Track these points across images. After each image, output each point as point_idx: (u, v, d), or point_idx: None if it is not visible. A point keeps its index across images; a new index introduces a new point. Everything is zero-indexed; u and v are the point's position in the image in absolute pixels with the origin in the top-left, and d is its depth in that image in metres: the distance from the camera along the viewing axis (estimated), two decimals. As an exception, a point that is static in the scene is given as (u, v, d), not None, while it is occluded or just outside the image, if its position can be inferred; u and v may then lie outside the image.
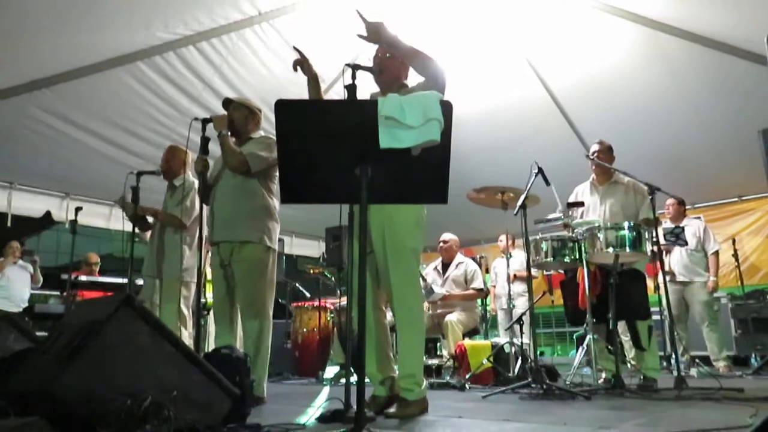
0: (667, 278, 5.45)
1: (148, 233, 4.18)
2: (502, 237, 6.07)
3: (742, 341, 6.08)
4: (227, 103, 3.47)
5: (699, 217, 5.94)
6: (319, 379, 5.22)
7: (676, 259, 5.62)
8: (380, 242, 2.67)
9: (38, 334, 2.90)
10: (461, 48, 5.59)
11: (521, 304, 6.16)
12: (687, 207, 5.87)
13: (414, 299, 2.71)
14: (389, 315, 2.90)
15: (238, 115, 3.41)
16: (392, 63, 2.80)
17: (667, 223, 5.56)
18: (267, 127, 5.46)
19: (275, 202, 3.40)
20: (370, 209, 2.66)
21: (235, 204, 3.28)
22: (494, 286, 6.81)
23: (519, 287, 6.41)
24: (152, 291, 3.88)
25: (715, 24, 4.80)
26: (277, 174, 3.38)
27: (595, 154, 4.21)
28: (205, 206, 3.45)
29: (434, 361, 4.95)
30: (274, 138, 3.38)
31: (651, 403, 2.87)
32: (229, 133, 3.30)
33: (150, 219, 4.11)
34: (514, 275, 6.21)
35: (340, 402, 2.15)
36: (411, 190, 2.16)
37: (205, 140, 3.21)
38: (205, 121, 3.22)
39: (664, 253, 5.58)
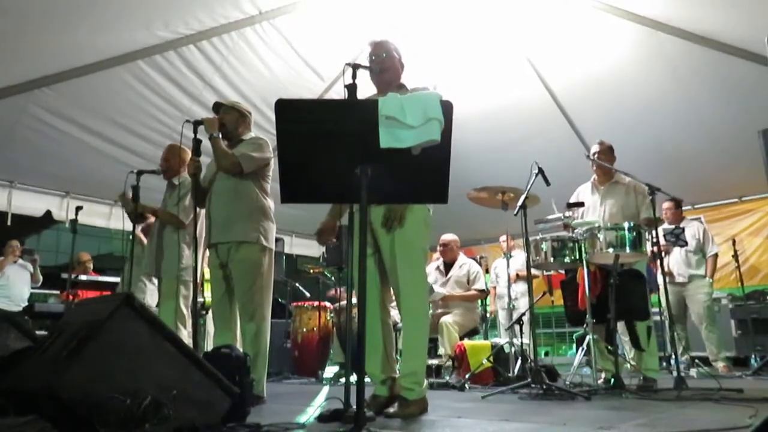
0: (666, 279, 5.50)
1: (144, 240, 4.19)
2: (503, 237, 6.07)
3: (741, 342, 6.08)
4: (217, 106, 3.51)
5: (699, 218, 5.94)
6: (319, 379, 5.22)
7: (675, 260, 5.63)
8: (388, 241, 2.67)
9: (38, 333, 2.89)
10: (462, 48, 5.59)
11: (523, 304, 6.16)
12: (687, 207, 5.89)
13: (420, 298, 2.72)
14: (394, 315, 2.90)
15: (229, 118, 3.44)
16: (391, 63, 2.80)
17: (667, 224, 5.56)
18: (267, 126, 5.49)
19: (270, 202, 3.43)
20: (378, 209, 2.67)
21: (231, 205, 3.31)
22: (494, 287, 6.80)
23: (521, 287, 6.40)
24: (143, 294, 3.88)
25: (716, 24, 4.80)
26: (270, 174, 3.41)
27: (596, 155, 4.21)
28: (201, 209, 3.49)
29: (434, 361, 4.95)
30: (265, 139, 3.42)
31: (650, 403, 2.87)
32: (220, 135, 3.32)
33: (150, 218, 4.12)
34: (516, 274, 6.21)
35: (339, 401, 2.15)
36: (411, 190, 2.16)
37: (197, 142, 3.24)
38: (196, 123, 3.25)
39: (663, 253, 5.60)
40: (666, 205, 5.60)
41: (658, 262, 4.09)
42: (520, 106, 6.16)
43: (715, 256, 5.65)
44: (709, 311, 5.48)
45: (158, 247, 3.93)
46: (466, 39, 5.52)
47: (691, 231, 5.64)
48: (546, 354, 8.22)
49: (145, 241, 4.77)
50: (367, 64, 2.44)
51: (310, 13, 5.01)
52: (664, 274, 4.08)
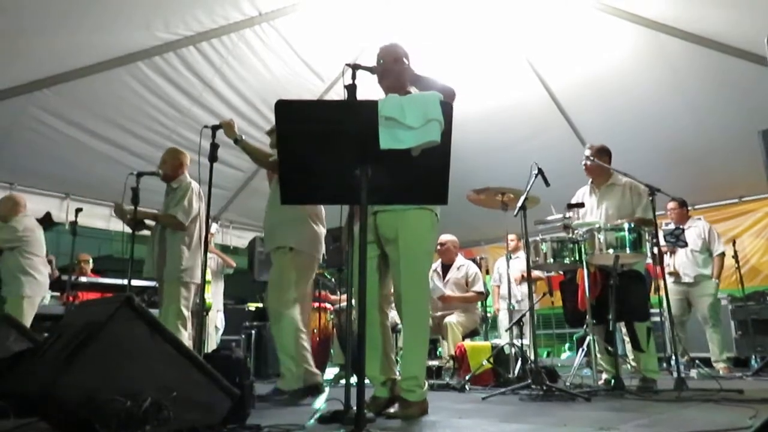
0: (672, 279, 5.47)
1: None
2: (512, 236, 6.04)
3: (742, 343, 6.07)
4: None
5: (700, 218, 5.91)
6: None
7: (681, 260, 5.57)
8: (393, 243, 2.67)
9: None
10: (462, 48, 5.60)
11: (526, 306, 6.12)
12: (687, 208, 5.85)
13: (422, 302, 2.71)
14: (391, 316, 2.91)
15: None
16: (398, 68, 2.80)
17: (669, 225, 5.53)
18: (267, 128, 5.49)
19: (316, 209, 3.59)
20: (386, 217, 2.67)
21: (275, 213, 3.50)
22: (498, 286, 6.78)
23: (525, 288, 6.36)
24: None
25: (716, 25, 4.80)
26: None
27: (590, 158, 4.17)
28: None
29: (434, 363, 4.94)
30: None
31: (651, 404, 2.87)
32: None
33: (149, 222, 4.12)
34: (521, 276, 6.18)
35: (340, 403, 2.15)
36: (411, 191, 2.16)
37: (214, 147, 3.23)
38: (214, 128, 3.25)
39: (669, 254, 5.58)
40: (670, 205, 5.57)
41: (658, 268, 4.07)
42: (520, 107, 6.16)
43: (722, 255, 5.57)
44: (714, 311, 5.45)
45: (159, 250, 3.93)
46: (466, 39, 5.52)
47: (697, 230, 5.59)
48: (548, 354, 8.20)
49: None
50: (367, 65, 2.44)
51: (310, 14, 5.02)
52: (664, 275, 4.06)
